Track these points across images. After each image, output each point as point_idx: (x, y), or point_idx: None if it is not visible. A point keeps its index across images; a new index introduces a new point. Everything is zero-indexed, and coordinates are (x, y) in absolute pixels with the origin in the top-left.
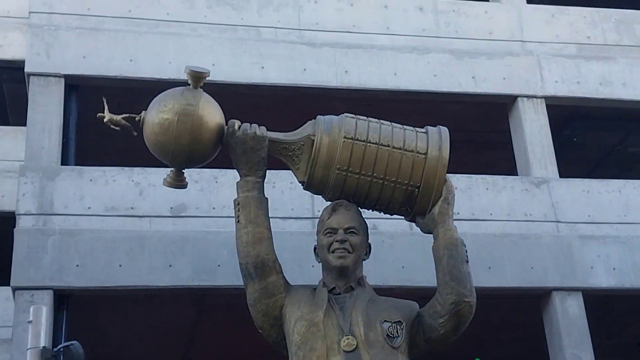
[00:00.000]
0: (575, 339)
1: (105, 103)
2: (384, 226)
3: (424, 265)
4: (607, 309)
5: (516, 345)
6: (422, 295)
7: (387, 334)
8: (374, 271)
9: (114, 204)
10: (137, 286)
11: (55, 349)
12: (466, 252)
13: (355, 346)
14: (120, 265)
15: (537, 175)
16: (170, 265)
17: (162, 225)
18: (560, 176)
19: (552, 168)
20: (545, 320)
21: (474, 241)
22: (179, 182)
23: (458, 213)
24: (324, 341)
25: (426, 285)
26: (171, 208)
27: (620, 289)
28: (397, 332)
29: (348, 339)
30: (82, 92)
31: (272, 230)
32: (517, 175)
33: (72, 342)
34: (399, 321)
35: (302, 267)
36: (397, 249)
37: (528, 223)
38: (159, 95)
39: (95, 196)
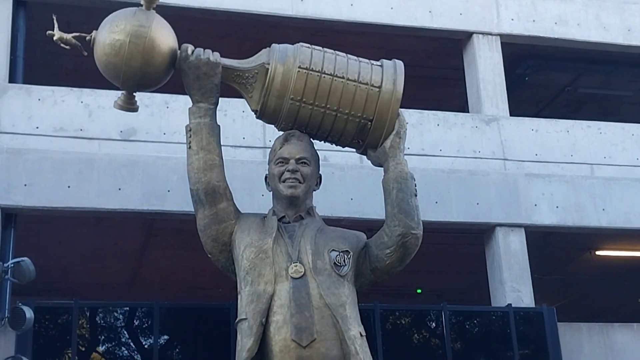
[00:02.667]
0: (515, 273)
1: (55, 21)
2: (335, 158)
3: (373, 197)
4: (548, 245)
5: (458, 278)
6: (369, 227)
7: (335, 263)
8: (324, 202)
9: (62, 125)
10: (85, 208)
11: (5, 264)
12: (415, 186)
13: (302, 273)
14: (68, 187)
15: (488, 113)
16: (119, 189)
17: (112, 149)
18: (511, 114)
19: (503, 106)
20: (488, 254)
21: (423, 176)
22: (129, 106)
23: (408, 148)
24: (272, 268)
25: (374, 217)
26: (121, 131)
27: (562, 227)
28: (344, 261)
29: (296, 266)
30: (30, 8)
31: (223, 158)
32: (468, 112)
33: (22, 258)
34: (347, 251)
35: (252, 196)
36: (347, 181)
37: (476, 160)
38: (111, 15)
39: (43, 116)
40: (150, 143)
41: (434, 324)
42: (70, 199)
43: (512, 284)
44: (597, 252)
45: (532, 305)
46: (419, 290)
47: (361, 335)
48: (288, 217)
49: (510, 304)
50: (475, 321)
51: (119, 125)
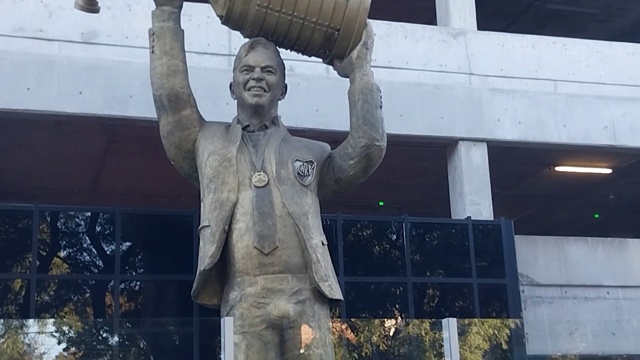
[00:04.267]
0: (476, 187)
1: None
2: (301, 68)
3: (338, 109)
4: (509, 160)
5: (420, 192)
6: (334, 139)
7: (298, 173)
8: (289, 113)
9: (21, 25)
10: (45, 111)
11: None
12: (380, 98)
13: (266, 182)
14: (28, 89)
15: (456, 26)
16: (80, 93)
17: (72, 51)
18: (478, 29)
19: (471, 20)
20: (450, 168)
21: (388, 89)
22: (90, 6)
23: (375, 60)
24: (236, 176)
25: (339, 129)
26: (82, 34)
27: (524, 142)
28: (307, 171)
29: (260, 174)
30: None
31: (186, 64)
32: (436, 25)
33: None
34: (310, 161)
35: (216, 104)
36: (312, 92)
37: (442, 74)
38: None
39: (1, 16)
40: (112, 47)
41: (394, 236)
42: (29, 101)
43: (472, 197)
44: (557, 168)
45: (491, 218)
46: (381, 203)
47: (323, 244)
48: (252, 126)
49: (470, 217)
50: (434, 234)
51: (80, 27)
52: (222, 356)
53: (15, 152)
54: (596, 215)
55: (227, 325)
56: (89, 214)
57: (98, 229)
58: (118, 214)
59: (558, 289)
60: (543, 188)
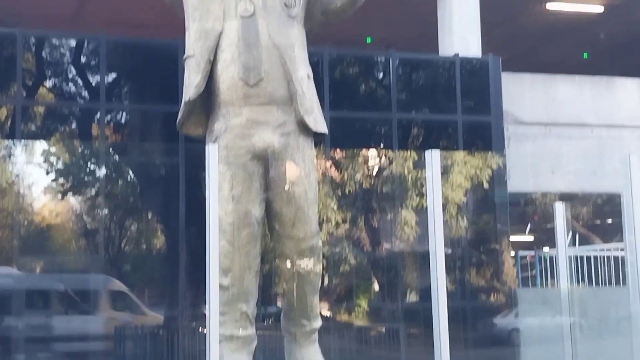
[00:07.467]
0: (465, 22)
1: None
2: None
3: None
4: None
5: (408, 28)
6: None
7: (285, 3)
8: None
9: None
10: None
11: None
12: None
13: (252, 12)
14: None
15: None
16: None
17: None
18: None
19: None
20: (440, 4)
21: None
22: None
23: None
24: (221, 4)
25: None
26: None
27: None
28: (294, 1)
29: (245, 3)
30: None
31: None
32: None
33: None
34: None
35: None
36: None
37: None
38: None
39: None
40: None
41: (381, 73)
42: None
43: (461, 33)
44: (548, 5)
45: (479, 55)
46: (368, 39)
47: (308, 76)
48: None
49: (457, 54)
50: (421, 70)
51: None
52: (207, 185)
53: None
54: (585, 55)
55: (212, 152)
56: (73, 42)
57: (83, 59)
58: (103, 42)
59: (542, 127)
60: (533, 26)
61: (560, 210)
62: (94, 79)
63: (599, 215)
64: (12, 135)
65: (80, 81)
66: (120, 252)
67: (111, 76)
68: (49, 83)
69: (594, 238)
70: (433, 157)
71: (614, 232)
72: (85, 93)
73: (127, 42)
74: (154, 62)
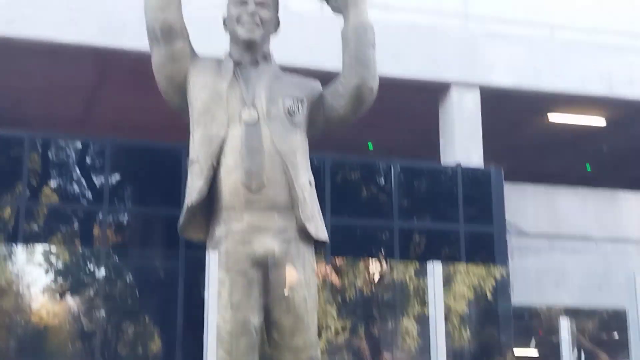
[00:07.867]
0: (467, 132)
1: None
2: (295, 5)
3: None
4: (502, 107)
5: (410, 136)
6: (326, 79)
7: (288, 110)
8: (282, 50)
9: None
10: (39, 39)
11: None
12: (374, 38)
13: (256, 118)
14: (22, 16)
15: None
16: (74, 21)
17: None
18: None
19: None
20: (442, 113)
21: (383, 29)
22: None
23: None
24: (226, 111)
25: (331, 69)
26: None
27: (518, 89)
28: (298, 109)
29: (249, 110)
30: None
31: None
32: None
33: None
34: (301, 98)
35: (209, 38)
36: (305, 30)
37: (438, 16)
38: None
39: None
40: None
41: (382, 180)
42: (23, 29)
43: (463, 143)
44: (550, 117)
45: (481, 165)
46: (370, 146)
47: (310, 183)
48: (244, 61)
49: (459, 163)
50: (423, 179)
51: None
52: (206, 291)
53: (7, 81)
54: (588, 167)
55: (212, 259)
56: (79, 144)
57: (88, 161)
58: (108, 145)
59: (546, 240)
60: (535, 137)
61: (565, 327)
62: (97, 181)
63: (606, 330)
64: (14, 235)
65: (84, 182)
66: (117, 356)
67: (115, 178)
68: (53, 184)
69: (600, 354)
70: (435, 269)
71: (620, 348)
72: (88, 194)
73: (132, 145)
74: (158, 166)
